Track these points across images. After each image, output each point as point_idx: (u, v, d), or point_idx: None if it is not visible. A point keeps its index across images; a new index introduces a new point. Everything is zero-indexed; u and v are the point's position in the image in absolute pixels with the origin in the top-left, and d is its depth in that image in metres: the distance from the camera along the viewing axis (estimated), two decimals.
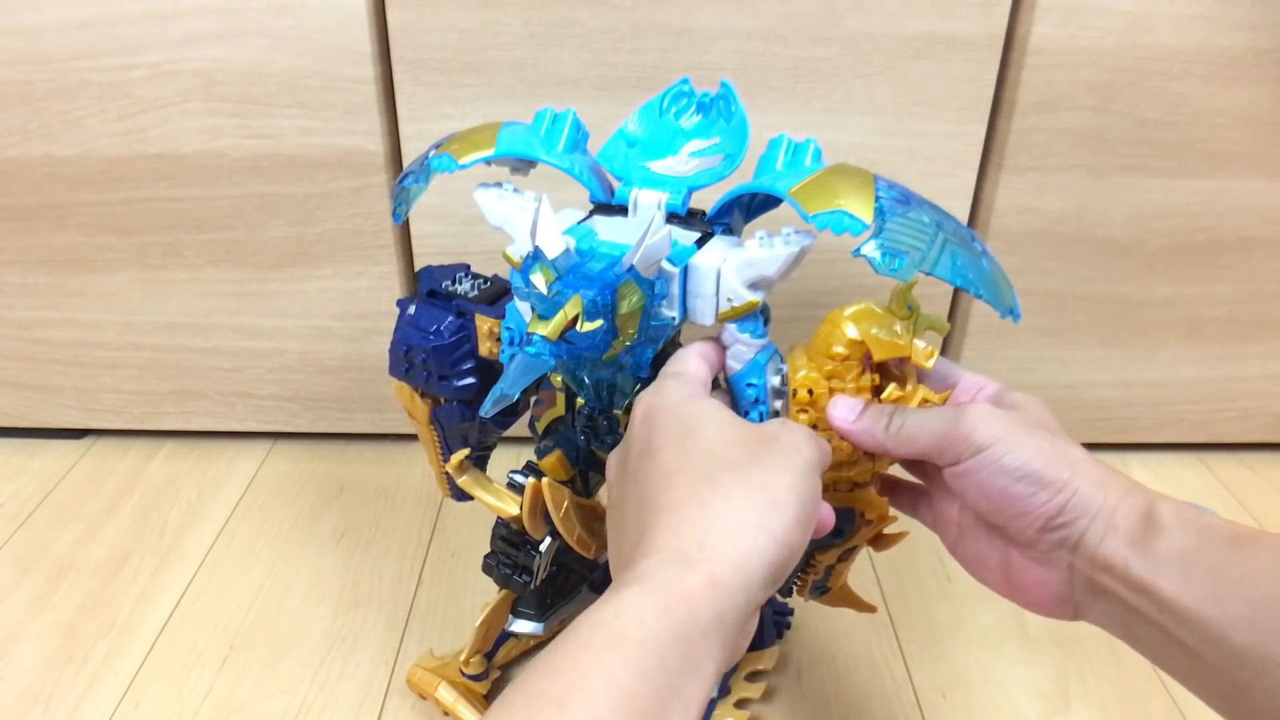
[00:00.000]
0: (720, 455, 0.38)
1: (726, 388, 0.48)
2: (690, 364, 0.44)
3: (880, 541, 0.52)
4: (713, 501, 0.36)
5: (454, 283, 0.57)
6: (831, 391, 0.45)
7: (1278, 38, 0.73)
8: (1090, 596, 0.40)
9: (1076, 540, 0.39)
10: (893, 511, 0.50)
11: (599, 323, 0.41)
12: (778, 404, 0.46)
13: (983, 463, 0.40)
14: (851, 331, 0.44)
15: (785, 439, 0.39)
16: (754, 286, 0.45)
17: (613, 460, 0.44)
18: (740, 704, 0.63)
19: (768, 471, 0.37)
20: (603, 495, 0.60)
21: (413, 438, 0.62)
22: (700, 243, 0.47)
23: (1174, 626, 0.36)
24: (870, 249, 0.40)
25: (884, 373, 0.46)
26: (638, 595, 0.33)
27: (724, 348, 0.47)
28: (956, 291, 0.85)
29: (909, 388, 0.45)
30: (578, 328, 0.40)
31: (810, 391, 0.45)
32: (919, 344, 0.44)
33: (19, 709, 0.65)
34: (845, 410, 0.45)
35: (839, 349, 0.44)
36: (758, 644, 0.66)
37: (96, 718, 0.65)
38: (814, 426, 0.46)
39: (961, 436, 0.41)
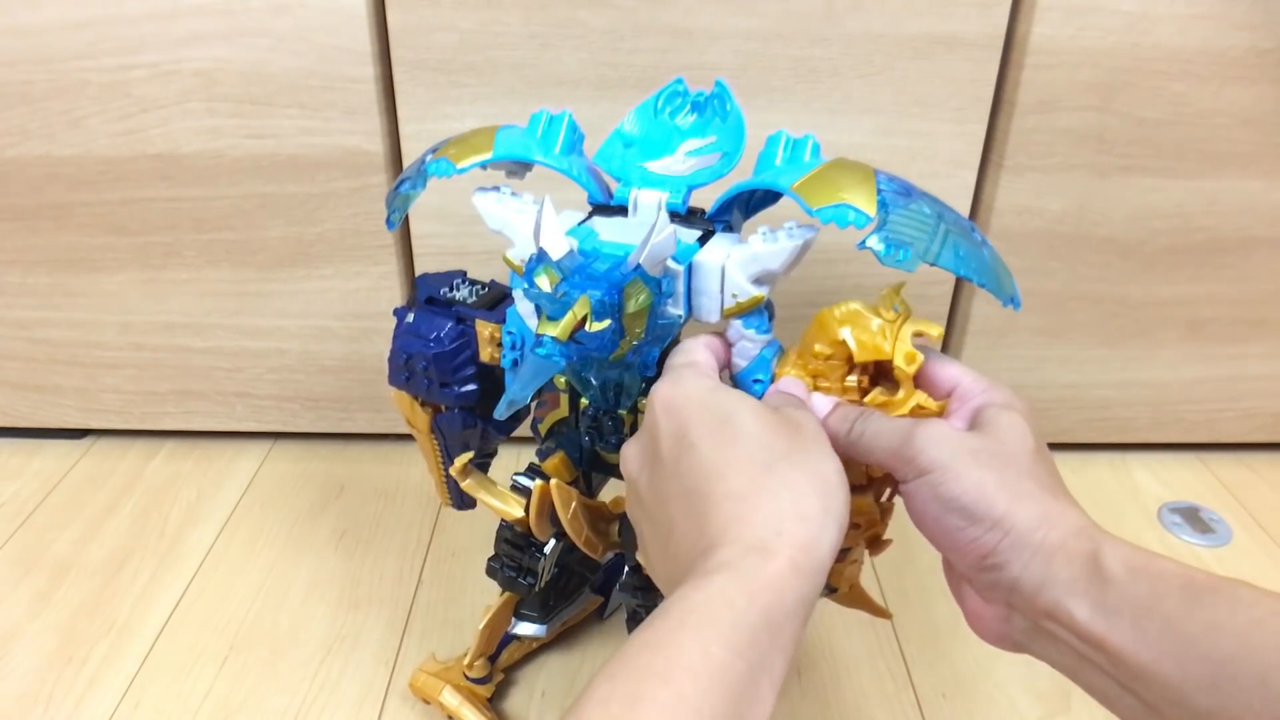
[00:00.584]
0: (767, 443, 0.38)
1: (732, 384, 0.48)
2: (699, 354, 0.44)
3: (875, 546, 0.52)
4: (778, 490, 0.37)
5: (451, 289, 0.57)
6: (816, 389, 0.45)
7: (1278, 38, 0.73)
8: (1034, 639, 0.38)
9: (1011, 584, 0.38)
10: (886, 499, 0.50)
11: (607, 322, 0.41)
12: None
13: (922, 487, 0.40)
14: (834, 332, 0.44)
15: (810, 426, 0.40)
16: (759, 281, 0.45)
17: (633, 453, 0.43)
18: None
19: (815, 457, 0.38)
20: (604, 496, 0.60)
21: (412, 439, 0.62)
22: (702, 241, 0.47)
23: (1130, 682, 0.34)
24: (874, 242, 0.40)
25: (882, 375, 0.46)
26: (725, 582, 0.34)
27: (729, 344, 0.47)
28: (957, 290, 0.85)
29: (901, 393, 0.43)
30: (586, 328, 0.40)
31: None
32: (904, 348, 0.43)
33: (19, 709, 0.65)
34: (814, 408, 0.44)
35: (822, 348, 0.44)
36: None
37: (96, 718, 0.65)
38: None
39: (908, 457, 0.40)
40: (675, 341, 0.50)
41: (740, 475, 0.37)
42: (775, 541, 0.35)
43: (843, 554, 0.53)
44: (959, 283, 0.85)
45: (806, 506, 0.36)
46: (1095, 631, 0.35)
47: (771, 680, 0.33)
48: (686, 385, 0.41)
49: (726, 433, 0.39)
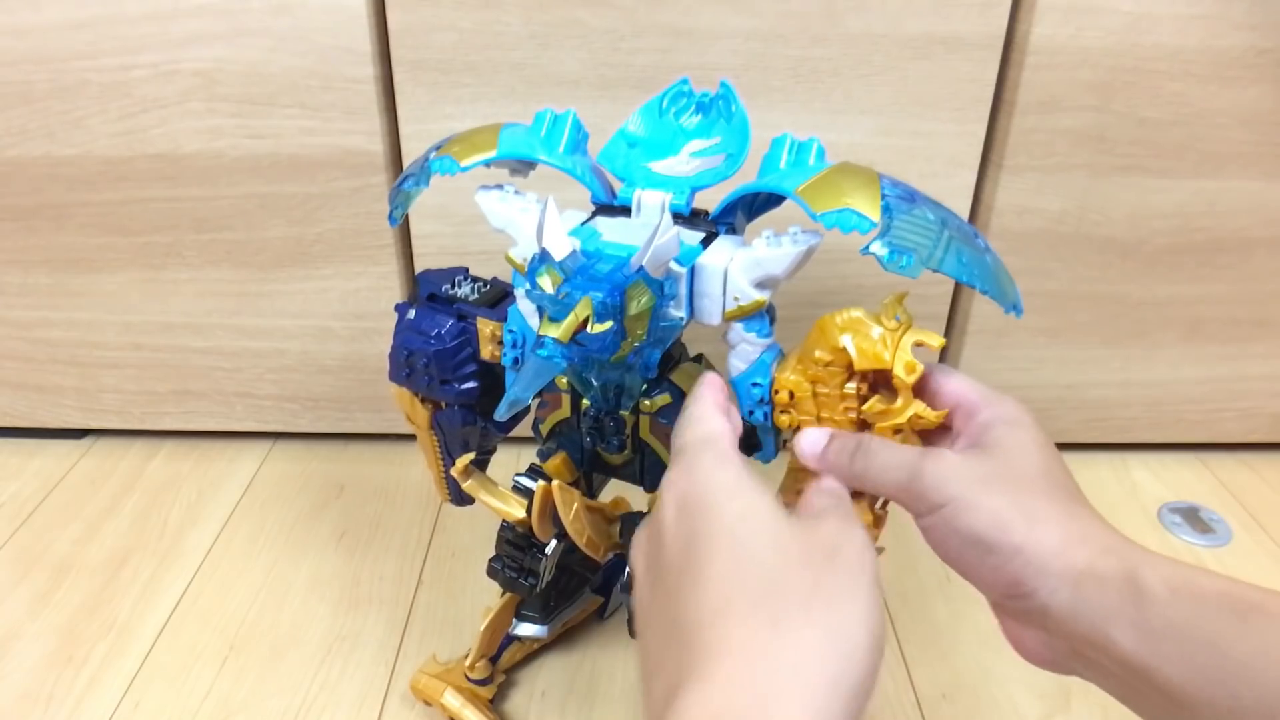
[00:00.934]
0: (780, 582, 0.32)
1: (731, 392, 0.48)
2: (714, 423, 0.39)
3: None
4: (776, 649, 0.30)
5: (453, 286, 0.57)
6: (815, 395, 0.45)
7: (1278, 38, 0.73)
8: (1078, 664, 0.36)
9: (1042, 610, 0.36)
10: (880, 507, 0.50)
11: (609, 324, 0.41)
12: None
13: (937, 522, 0.38)
14: (835, 339, 0.44)
15: (849, 551, 0.34)
16: (761, 285, 0.45)
17: (640, 542, 0.38)
18: None
19: (839, 605, 0.32)
20: (605, 496, 0.60)
21: (413, 438, 0.62)
22: (705, 243, 0.47)
23: (1181, 712, 0.32)
24: (878, 247, 0.40)
25: (881, 382, 0.45)
26: None
27: (724, 377, 0.45)
28: (957, 291, 0.85)
29: (899, 402, 0.43)
30: (588, 329, 0.40)
31: (791, 394, 0.45)
32: (904, 358, 0.43)
33: (19, 709, 0.65)
34: (810, 444, 0.43)
35: (822, 354, 0.44)
36: None
37: (96, 718, 0.65)
38: (796, 428, 0.46)
39: (918, 492, 0.38)
40: (678, 344, 0.50)
41: (739, 622, 0.31)
42: (758, 718, 0.29)
43: None
44: (959, 283, 0.85)
45: (809, 675, 0.30)
46: (1139, 659, 0.33)
47: None
48: (701, 481, 0.36)
49: (738, 557, 0.33)
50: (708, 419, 0.40)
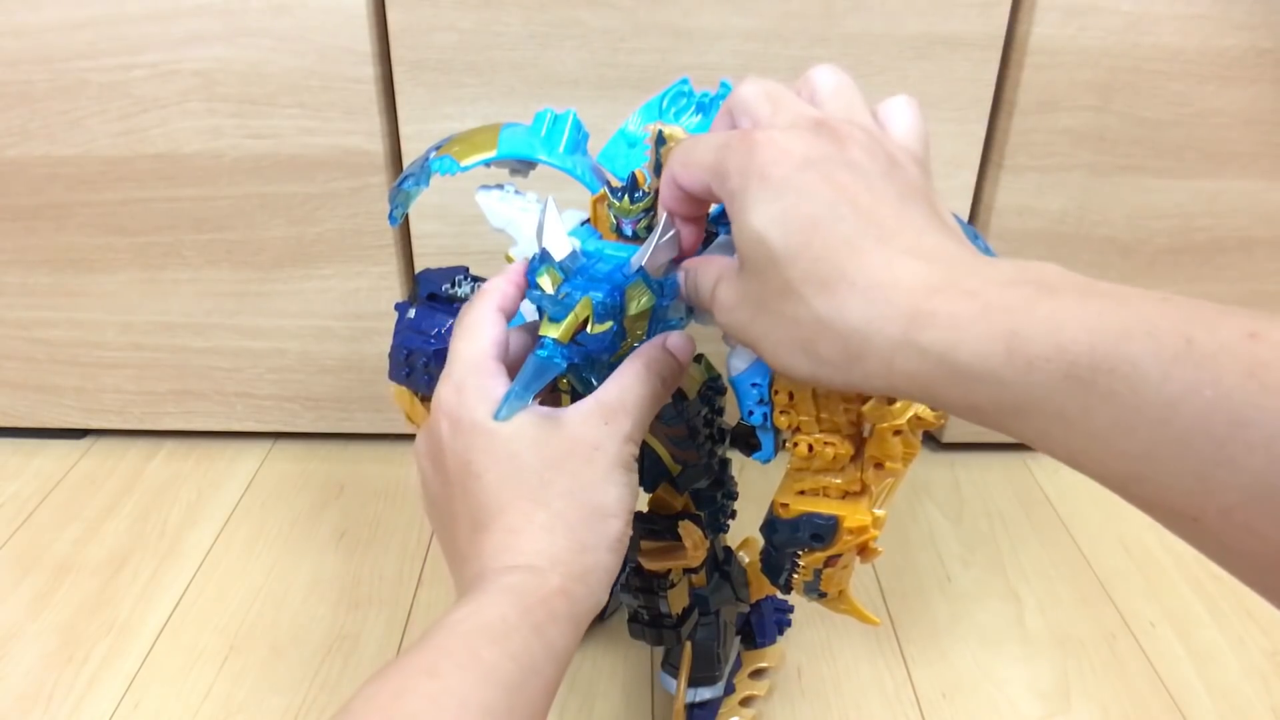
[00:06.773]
0: (544, 476, 0.39)
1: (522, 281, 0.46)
2: (483, 338, 0.42)
3: (865, 553, 0.52)
4: (553, 525, 0.38)
5: (453, 286, 0.57)
6: (814, 396, 0.45)
7: (1278, 38, 0.73)
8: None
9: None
10: (879, 511, 0.50)
11: (609, 324, 0.41)
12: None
13: None
14: None
15: (606, 450, 0.40)
16: None
17: (423, 449, 0.43)
18: (746, 702, 0.63)
19: (590, 485, 0.39)
20: None
21: (413, 437, 0.62)
22: (705, 243, 0.47)
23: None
24: None
25: None
26: (498, 598, 0.36)
27: (724, 377, 0.45)
28: None
29: (898, 403, 0.44)
30: (588, 330, 0.40)
31: (790, 395, 0.45)
32: None
33: (19, 709, 0.65)
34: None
35: None
36: (760, 641, 0.66)
37: (96, 718, 0.65)
38: (795, 429, 0.46)
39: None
40: None
41: (519, 513, 0.39)
42: (549, 571, 0.37)
43: (833, 560, 0.53)
44: None
45: (580, 538, 0.38)
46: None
47: (543, 682, 0.35)
48: (470, 408, 0.40)
49: (508, 466, 0.39)
50: (480, 331, 0.42)
